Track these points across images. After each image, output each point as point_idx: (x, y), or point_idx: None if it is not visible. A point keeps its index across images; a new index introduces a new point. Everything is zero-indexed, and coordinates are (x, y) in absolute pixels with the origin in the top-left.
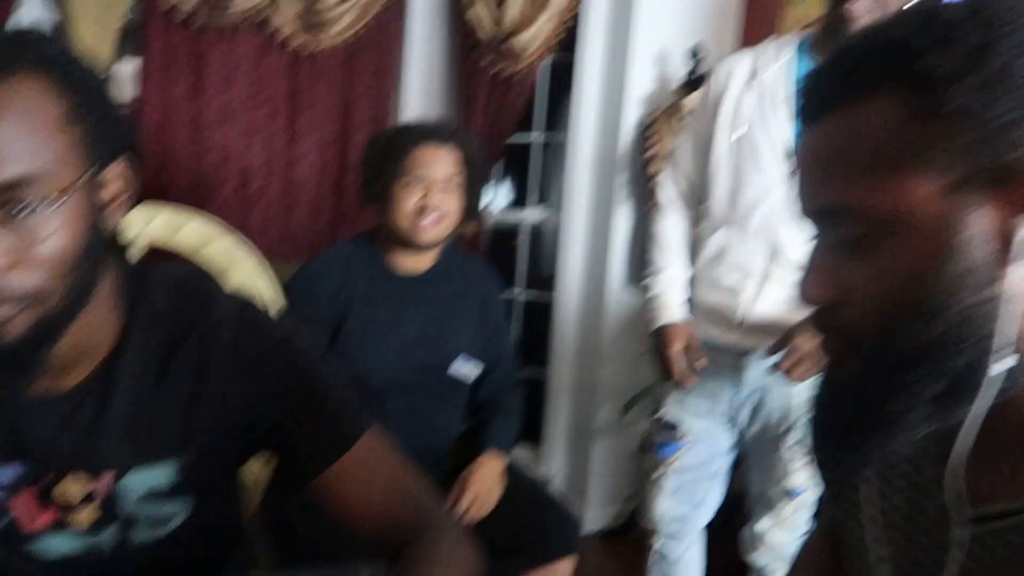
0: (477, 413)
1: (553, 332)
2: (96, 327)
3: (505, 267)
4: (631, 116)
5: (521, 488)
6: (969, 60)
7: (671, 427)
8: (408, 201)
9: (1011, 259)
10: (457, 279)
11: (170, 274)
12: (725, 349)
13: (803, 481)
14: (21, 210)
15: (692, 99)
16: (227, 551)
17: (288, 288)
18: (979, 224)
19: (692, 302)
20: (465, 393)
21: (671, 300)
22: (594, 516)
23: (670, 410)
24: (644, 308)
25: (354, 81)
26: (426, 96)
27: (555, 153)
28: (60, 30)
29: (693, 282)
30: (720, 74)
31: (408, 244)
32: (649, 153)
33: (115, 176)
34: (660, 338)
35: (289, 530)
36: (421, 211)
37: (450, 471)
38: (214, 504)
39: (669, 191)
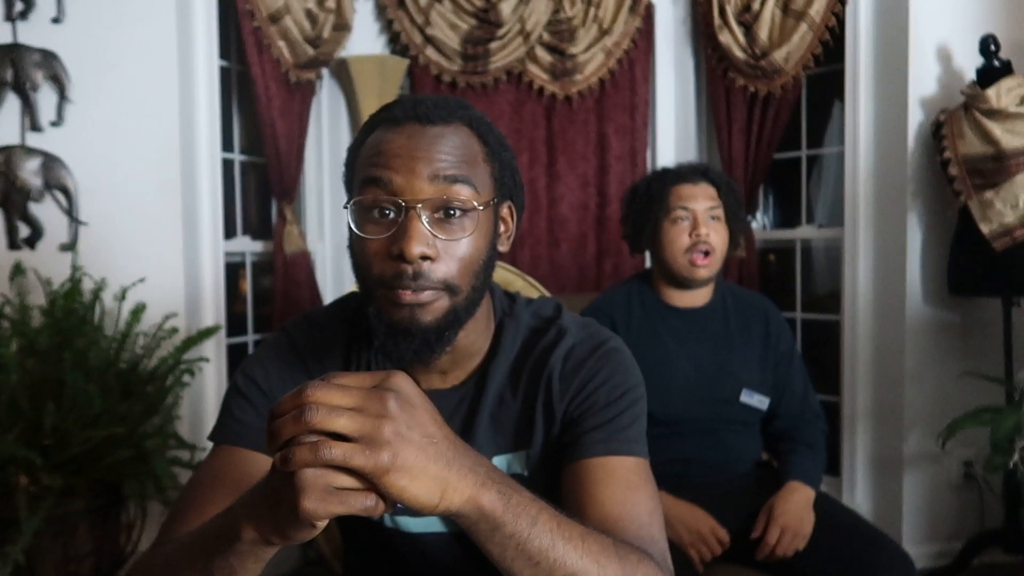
0: (774, 445)
1: (843, 354)
2: (476, 336)
3: (771, 289)
4: (914, 120)
5: (843, 523)
6: None
7: None
8: (680, 238)
9: None
10: (737, 313)
11: (531, 300)
12: None
13: None
14: (453, 212)
15: (1002, 92)
16: None
17: None
18: None
19: None
20: (759, 419)
21: None
22: (913, 555)
23: None
24: None
25: (607, 119)
26: (680, 125)
27: (818, 168)
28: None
29: None
30: None
31: (683, 284)
32: (945, 156)
33: (507, 213)
34: None
35: None
36: (693, 247)
37: (751, 499)
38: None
39: None
